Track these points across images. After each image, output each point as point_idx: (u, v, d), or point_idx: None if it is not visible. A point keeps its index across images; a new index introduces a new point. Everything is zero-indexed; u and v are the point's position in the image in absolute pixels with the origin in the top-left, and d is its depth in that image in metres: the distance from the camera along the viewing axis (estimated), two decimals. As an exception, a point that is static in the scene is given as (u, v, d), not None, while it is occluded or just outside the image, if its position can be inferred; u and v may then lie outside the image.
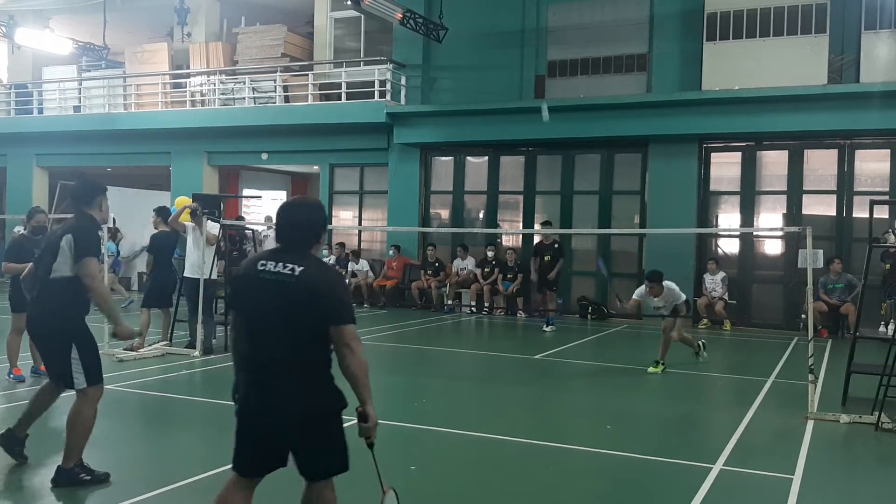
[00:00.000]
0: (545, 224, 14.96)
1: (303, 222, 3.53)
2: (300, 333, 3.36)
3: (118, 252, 17.35)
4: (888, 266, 12.40)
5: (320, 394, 3.42)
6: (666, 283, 9.44)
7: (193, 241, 10.02)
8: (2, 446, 5.42)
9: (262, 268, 3.43)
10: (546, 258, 13.70)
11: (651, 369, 9.50)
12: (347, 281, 15.20)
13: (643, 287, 9.61)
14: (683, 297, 9.80)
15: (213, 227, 10.03)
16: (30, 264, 7.94)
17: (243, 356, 3.49)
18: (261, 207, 20.46)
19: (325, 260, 17.92)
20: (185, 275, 10.21)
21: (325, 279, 3.42)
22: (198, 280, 9.90)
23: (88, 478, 5.00)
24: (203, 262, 9.88)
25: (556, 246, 13.82)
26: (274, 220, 3.65)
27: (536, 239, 14.45)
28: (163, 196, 17.95)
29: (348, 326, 3.35)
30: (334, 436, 3.46)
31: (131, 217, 17.86)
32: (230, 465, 3.53)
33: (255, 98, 18.03)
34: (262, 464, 3.51)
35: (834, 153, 14.22)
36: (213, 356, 9.86)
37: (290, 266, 3.38)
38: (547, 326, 13.37)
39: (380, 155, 17.39)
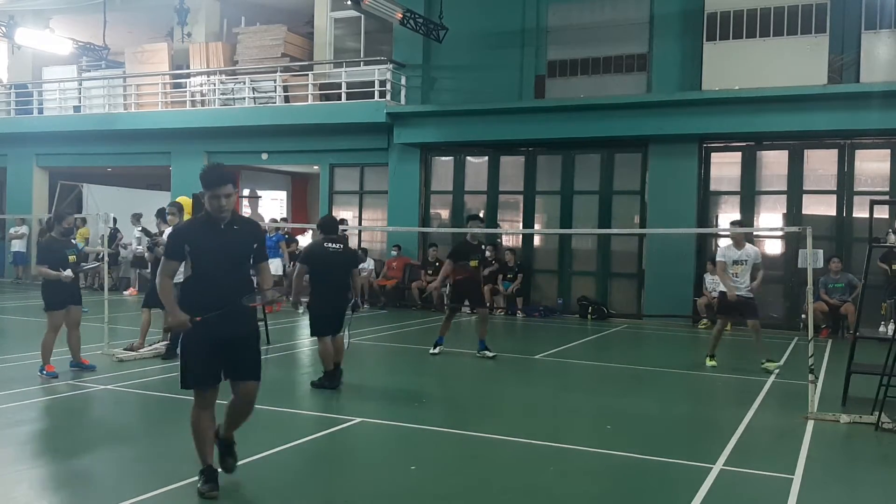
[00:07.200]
0: (473, 219, 10.81)
1: (337, 226, 8.26)
2: (346, 270, 8.12)
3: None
4: (893, 266, 12.37)
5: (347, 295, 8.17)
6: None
7: None
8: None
9: (326, 245, 8.01)
10: (472, 263, 10.31)
11: (709, 363, 9.94)
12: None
13: (726, 244, 9.95)
14: (759, 258, 9.95)
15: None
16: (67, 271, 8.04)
17: (321, 284, 7.93)
18: (260, 209, 20.47)
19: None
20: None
21: (352, 251, 8.65)
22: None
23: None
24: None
25: (484, 248, 11.49)
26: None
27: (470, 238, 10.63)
28: (163, 196, 17.95)
29: (358, 268, 8.52)
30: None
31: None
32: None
33: (255, 98, 18.03)
34: (333, 326, 8.08)
35: (834, 153, 14.22)
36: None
37: (338, 244, 8.13)
38: (481, 352, 10.30)
39: (380, 155, 17.39)
